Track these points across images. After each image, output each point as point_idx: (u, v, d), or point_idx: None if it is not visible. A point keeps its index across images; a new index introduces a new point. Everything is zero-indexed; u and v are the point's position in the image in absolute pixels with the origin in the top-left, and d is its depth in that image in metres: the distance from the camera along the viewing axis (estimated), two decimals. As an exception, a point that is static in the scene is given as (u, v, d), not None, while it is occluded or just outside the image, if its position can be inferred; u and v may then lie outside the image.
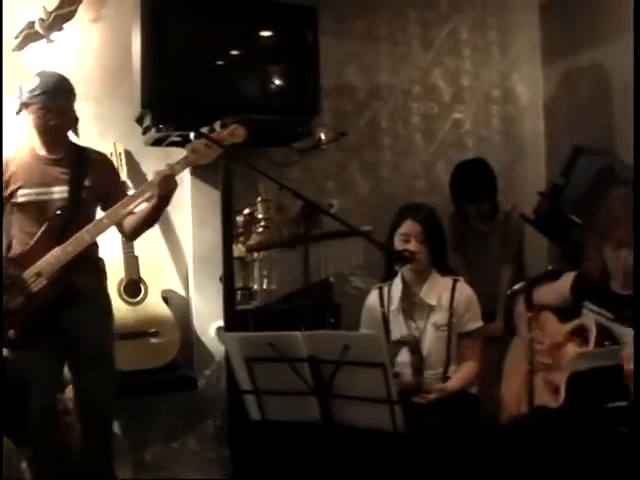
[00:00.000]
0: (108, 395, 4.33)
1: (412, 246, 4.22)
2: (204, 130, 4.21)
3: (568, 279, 3.97)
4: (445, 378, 4.19)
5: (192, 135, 4.33)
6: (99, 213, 4.32)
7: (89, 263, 4.27)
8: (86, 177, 4.26)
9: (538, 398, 3.59)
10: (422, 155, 6.32)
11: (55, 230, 4.13)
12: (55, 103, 4.17)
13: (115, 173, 4.57)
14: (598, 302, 3.76)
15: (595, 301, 3.78)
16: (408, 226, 4.28)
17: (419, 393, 4.08)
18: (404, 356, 4.18)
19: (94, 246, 4.30)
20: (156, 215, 4.29)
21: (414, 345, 4.16)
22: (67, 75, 4.30)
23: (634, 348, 3.21)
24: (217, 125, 4.32)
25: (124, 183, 4.94)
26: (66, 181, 4.22)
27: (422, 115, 6.31)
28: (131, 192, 4.36)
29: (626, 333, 3.58)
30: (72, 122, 4.32)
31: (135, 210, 4.20)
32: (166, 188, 4.09)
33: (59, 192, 4.21)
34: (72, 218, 4.17)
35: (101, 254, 4.42)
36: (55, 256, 4.07)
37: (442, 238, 4.41)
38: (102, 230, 4.15)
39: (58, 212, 4.16)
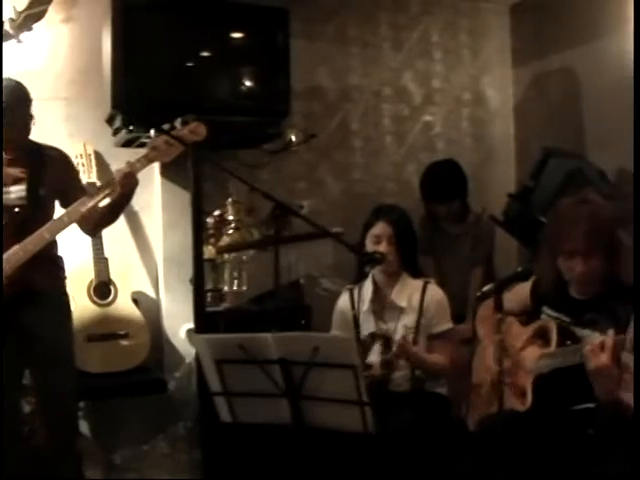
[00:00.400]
0: (70, 396, 4.30)
1: (383, 247, 4.23)
2: (165, 127, 4.19)
3: (528, 285, 3.97)
4: (414, 379, 4.20)
5: (152, 132, 4.30)
6: (58, 209, 4.30)
7: (48, 261, 4.24)
8: (44, 174, 4.23)
9: (506, 402, 3.61)
10: (393, 157, 6.33)
11: (13, 228, 4.08)
12: (17, 116, 4.15)
13: (73, 169, 4.52)
14: (556, 307, 3.75)
15: (553, 306, 3.77)
16: (380, 228, 4.29)
17: (387, 387, 4.13)
18: (374, 356, 4.18)
19: (53, 244, 4.26)
20: (117, 212, 4.32)
21: (386, 340, 4.16)
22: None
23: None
24: (178, 122, 4.29)
25: (94, 184, 4.90)
26: (23, 179, 4.18)
27: (393, 117, 6.32)
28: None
29: (586, 335, 3.57)
30: (31, 125, 4.28)
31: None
32: (127, 186, 4.09)
33: (16, 191, 4.16)
34: (31, 216, 4.14)
35: (60, 252, 4.38)
36: (14, 254, 4.03)
37: (413, 240, 4.43)
38: (62, 228, 4.13)
39: (16, 210, 4.13)
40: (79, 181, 4.55)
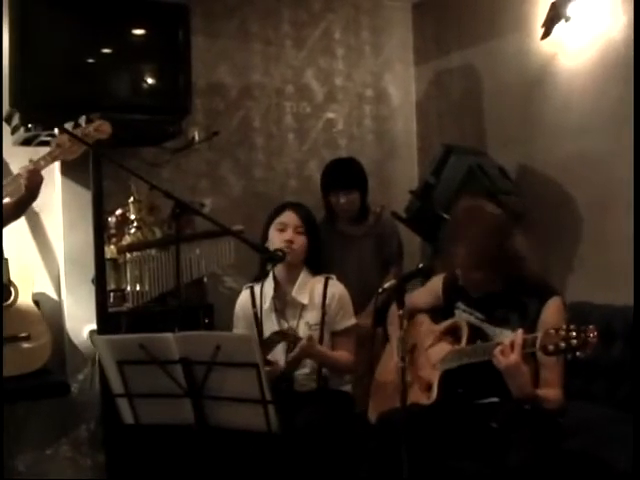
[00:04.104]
0: None
1: (288, 235, 4.22)
2: (68, 126, 4.14)
3: (440, 280, 4.01)
4: (319, 378, 4.20)
5: (56, 130, 4.25)
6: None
7: None
8: None
9: (411, 397, 3.64)
10: (295, 154, 6.32)
11: None
12: None
13: None
14: (468, 303, 3.81)
15: (465, 302, 3.82)
16: (286, 216, 4.29)
17: (291, 383, 4.14)
18: (279, 354, 4.17)
19: None
20: (22, 210, 4.26)
21: (293, 338, 4.14)
22: None
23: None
24: (82, 120, 4.25)
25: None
26: None
27: (295, 114, 6.32)
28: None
29: (497, 333, 3.63)
30: None
31: None
32: (32, 184, 4.03)
33: None
34: None
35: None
36: None
37: (317, 233, 4.41)
38: None
39: None
40: None
